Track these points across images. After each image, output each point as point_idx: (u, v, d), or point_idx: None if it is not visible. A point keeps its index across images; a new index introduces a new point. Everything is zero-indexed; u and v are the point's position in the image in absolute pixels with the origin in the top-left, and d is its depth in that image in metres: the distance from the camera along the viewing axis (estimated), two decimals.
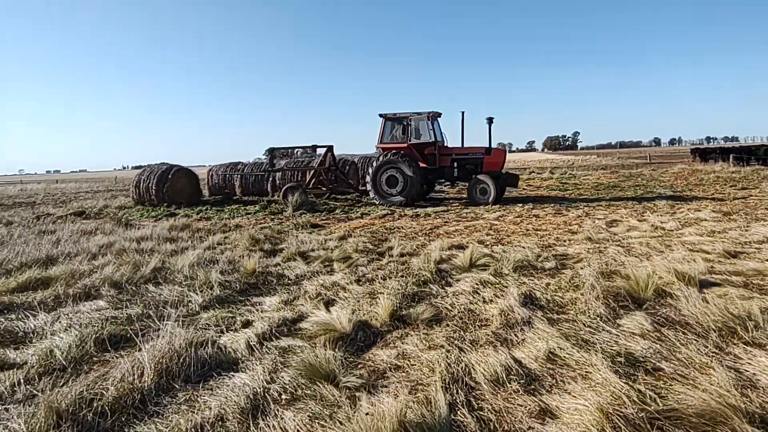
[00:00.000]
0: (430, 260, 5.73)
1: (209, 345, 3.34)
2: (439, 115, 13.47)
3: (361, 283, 5.03)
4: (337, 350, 3.25)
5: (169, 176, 14.62)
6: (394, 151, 12.69)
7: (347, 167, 17.18)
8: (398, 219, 10.05)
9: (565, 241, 6.86)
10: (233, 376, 2.93)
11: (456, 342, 3.35)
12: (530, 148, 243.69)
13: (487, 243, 6.92)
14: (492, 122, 12.50)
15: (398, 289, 4.59)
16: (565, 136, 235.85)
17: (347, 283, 5.00)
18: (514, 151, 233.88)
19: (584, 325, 3.55)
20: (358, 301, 4.37)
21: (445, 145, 13.47)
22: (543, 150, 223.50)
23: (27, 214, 13.45)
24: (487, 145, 12.75)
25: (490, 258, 5.80)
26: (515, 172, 15.65)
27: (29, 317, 4.11)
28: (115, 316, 4.11)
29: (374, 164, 12.75)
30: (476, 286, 4.66)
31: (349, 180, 15.02)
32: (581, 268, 5.12)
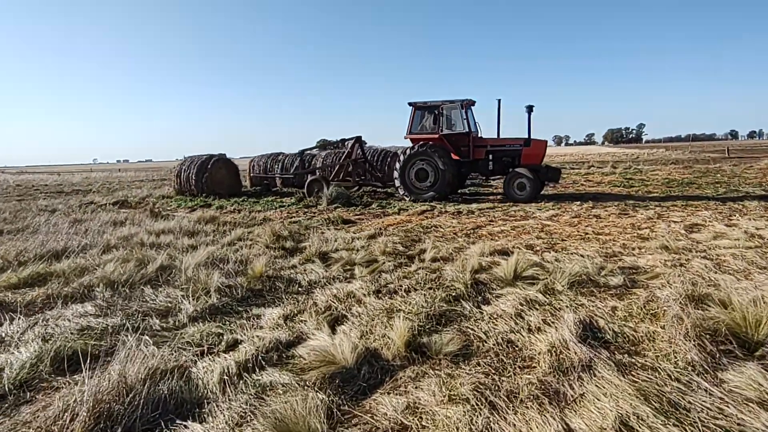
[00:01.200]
0: (466, 268, 4.83)
1: (176, 376, 2.68)
2: (473, 103, 12.36)
3: (381, 295, 4.24)
4: (330, 392, 2.51)
5: (209, 167, 14.50)
6: (424, 142, 11.74)
7: (389, 158, 16.39)
8: (438, 216, 9.14)
9: (634, 249, 5.71)
10: (186, 429, 2.24)
11: (487, 393, 2.49)
12: (589, 141, 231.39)
13: (537, 248, 5.91)
14: (532, 111, 11.25)
15: (423, 307, 3.77)
16: (628, 129, 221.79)
17: (364, 295, 4.24)
18: (571, 144, 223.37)
19: (670, 377, 2.57)
20: (372, 320, 3.59)
21: (480, 135, 12.35)
22: (603, 143, 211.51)
23: (75, 201, 13.79)
24: (526, 136, 11.50)
25: (539, 268, 4.81)
26: (557, 166, 14.15)
27: (5, 321, 3.67)
28: (92, 326, 3.58)
29: (403, 156, 11.89)
30: (520, 306, 3.74)
31: (377, 173, 14.21)
32: (659, 288, 4.04)
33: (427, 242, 6.47)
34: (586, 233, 6.79)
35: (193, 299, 4.09)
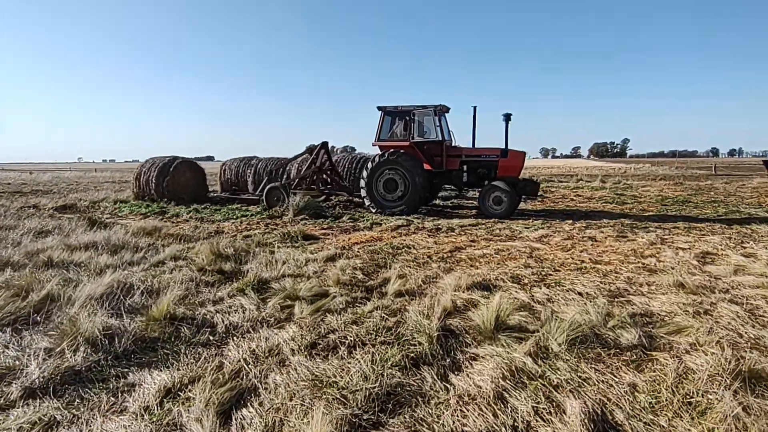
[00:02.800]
0: (435, 311, 3.75)
1: None
2: (447, 110, 11.38)
3: (315, 352, 3.13)
4: None
5: (171, 170, 13.24)
6: (393, 149, 10.72)
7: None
8: (413, 233, 8.07)
9: (642, 285, 4.70)
10: None
11: None
12: (575, 154, 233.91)
13: (526, 281, 4.86)
14: (509, 119, 10.31)
15: (366, 378, 2.67)
16: (613, 143, 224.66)
17: (294, 351, 3.13)
18: (558, 157, 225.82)
19: None
20: (290, 401, 2.48)
21: (454, 144, 11.36)
22: (589, 156, 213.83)
23: (18, 204, 12.42)
24: (504, 147, 10.53)
25: (528, 313, 3.77)
26: (536, 179, 13.26)
27: None
28: None
29: (370, 165, 10.82)
30: (502, 380, 2.67)
31: (343, 182, 13.13)
32: (688, 352, 3.01)
33: (394, 268, 5.39)
34: (582, 261, 5.77)
35: (47, 356, 2.93)
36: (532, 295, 4.34)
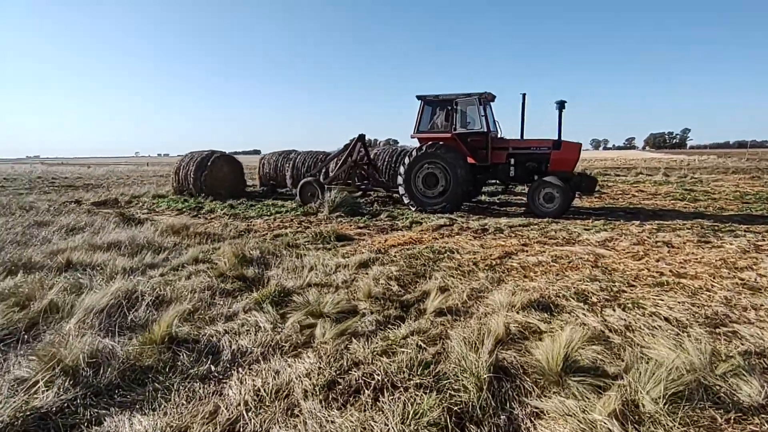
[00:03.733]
0: (484, 340, 3.04)
1: None
2: (493, 98, 10.40)
3: (332, 398, 2.51)
4: None
5: (209, 164, 13.10)
6: (433, 142, 9.87)
7: None
8: (456, 234, 7.30)
9: (745, 309, 3.75)
10: None
11: None
12: (629, 145, 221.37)
13: (594, 299, 4.02)
14: (563, 107, 9.26)
15: None
16: (671, 133, 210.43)
17: (306, 392, 2.53)
18: (610, 149, 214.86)
19: None
20: None
21: (500, 136, 10.37)
22: (644, 148, 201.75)
23: (64, 198, 12.68)
24: (556, 138, 9.45)
25: (604, 348, 2.98)
26: (592, 174, 11.99)
27: None
28: None
29: (407, 159, 10.04)
30: None
31: (380, 177, 12.41)
32: None
33: (435, 278, 4.69)
34: (661, 273, 4.82)
35: (16, 390, 2.47)
36: (605, 320, 3.52)
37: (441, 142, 9.74)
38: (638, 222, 7.95)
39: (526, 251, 5.97)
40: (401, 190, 10.13)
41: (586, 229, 7.39)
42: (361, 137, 11.58)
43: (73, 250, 5.66)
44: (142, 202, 12.05)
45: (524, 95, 9.72)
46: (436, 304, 3.86)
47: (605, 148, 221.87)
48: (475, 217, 9.11)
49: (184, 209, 10.72)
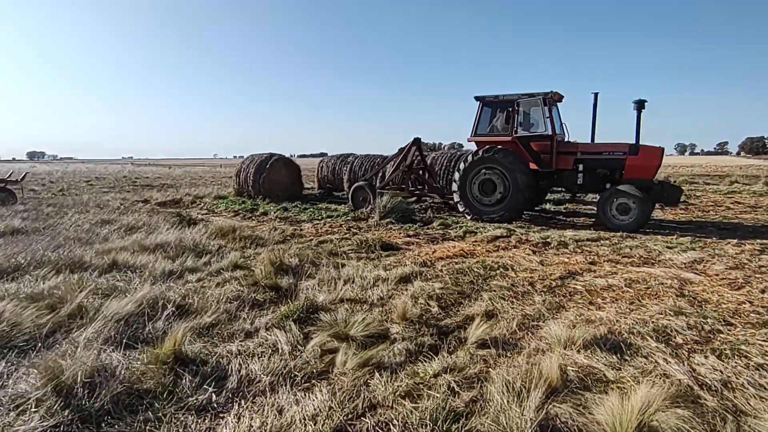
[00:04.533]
0: (531, 388, 2.47)
1: None
2: (560, 98, 9.44)
3: None
4: None
5: (267, 167, 13.30)
6: (492, 146, 9.12)
7: None
8: (513, 247, 6.60)
9: None
10: None
11: None
12: (721, 150, 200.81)
13: (678, 341, 3.26)
14: (643, 108, 8.15)
15: None
16: None
17: None
18: (698, 154, 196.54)
19: None
20: None
21: (567, 140, 9.39)
22: (739, 153, 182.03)
23: (135, 197, 13.44)
24: (633, 141, 8.35)
25: (693, 415, 2.29)
26: (676, 183, 10.54)
27: None
28: None
29: (463, 164, 9.37)
30: None
31: (436, 183, 11.75)
32: None
33: (482, 300, 4.14)
34: None
35: (7, 410, 2.30)
36: (694, 371, 2.80)
37: (500, 146, 9.04)
38: (735, 241, 6.76)
39: (594, 271, 5.19)
40: (456, 197, 9.54)
41: (669, 247, 6.39)
42: (417, 141, 11.12)
43: (121, 251, 5.74)
44: (203, 203, 12.45)
45: (596, 95, 8.79)
46: (479, 333, 3.32)
47: (692, 154, 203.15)
48: (537, 228, 8.31)
49: (240, 210, 10.88)
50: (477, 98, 9.56)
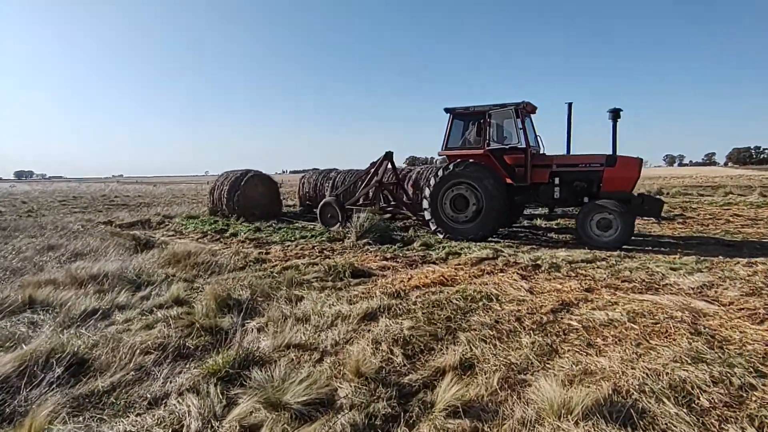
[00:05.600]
0: None
1: None
2: (534, 109, 8.96)
3: None
4: None
5: (242, 184, 12.55)
6: (463, 159, 8.57)
7: None
8: (500, 271, 5.89)
9: None
10: None
11: None
12: (709, 161, 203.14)
13: (704, 403, 2.54)
14: (618, 117, 7.72)
15: None
16: (759, 148, 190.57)
17: None
18: (686, 165, 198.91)
19: None
20: None
21: (542, 152, 8.93)
22: (727, 164, 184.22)
23: (100, 218, 12.60)
24: (610, 153, 7.89)
25: None
26: (656, 196, 10.07)
27: None
28: None
29: (434, 179, 8.80)
30: None
31: (408, 200, 11.04)
32: None
33: (459, 343, 3.41)
34: None
35: None
36: None
37: (471, 160, 8.46)
38: (744, 260, 6.11)
39: (591, 301, 4.48)
40: (427, 214, 8.92)
41: (673, 269, 5.71)
42: (388, 155, 10.50)
43: (46, 285, 4.95)
44: (172, 223, 11.64)
45: (570, 104, 8.28)
46: (451, 396, 2.59)
47: (681, 165, 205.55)
48: (526, 247, 7.62)
49: (208, 231, 10.11)
50: (447, 110, 9.01)
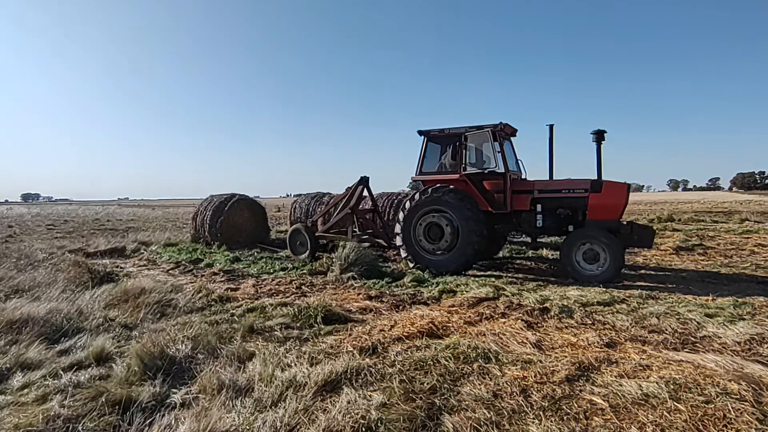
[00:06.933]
0: None
1: None
2: (513, 132, 8.34)
3: None
4: None
5: (226, 209, 11.73)
6: (439, 185, 7.86)
7: None
8: (501, 316, 4.96)
9: None
10: None
11: None
12: (713, 186, 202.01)
13: None
14: (603, 139, 7.11)
15: None
16: (763, 173, 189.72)
17: None
18: (690, 189, 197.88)
19: None
20: None
21: (523, 177, 8.24)
22: (731, 189, 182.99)
23: (73, 246, 11.76)
24: (596, 177, 7.22)
25: None
26: (646, 224, 9.34)
27: None
28: None
29: (409, 202, 8.09)
30: None
31: (383, 228, 10.11)
32: None
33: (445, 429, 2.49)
34: None
35: None
36: None
37: (446, 185, 7.74)
38: None
39: (616, 363, 3.54)
40: (398, 240, 8.15)
41: (708, 315, 4.77)
42: (363, 180, 9.72)
43: None
44: (149, 251, 10.79)
45: (551, 126, 7.60)
46: None
47: (685, 189, 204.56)
48: (532, 284, 6.70)
49: (182, 261, 9.23)
50: (421, 132, 8.33)
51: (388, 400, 2.94)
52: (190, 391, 3.14)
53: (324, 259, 8.43)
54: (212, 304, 5.67)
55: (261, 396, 3.01)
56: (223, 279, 7.51)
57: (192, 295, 6.00)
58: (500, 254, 9.92)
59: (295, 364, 3.55)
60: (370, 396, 2.99)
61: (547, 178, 7.81)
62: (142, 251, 10.85)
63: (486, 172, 7.68)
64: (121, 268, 8.78)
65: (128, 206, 65.26)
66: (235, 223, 11.89)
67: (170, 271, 8.41)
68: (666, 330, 4.35)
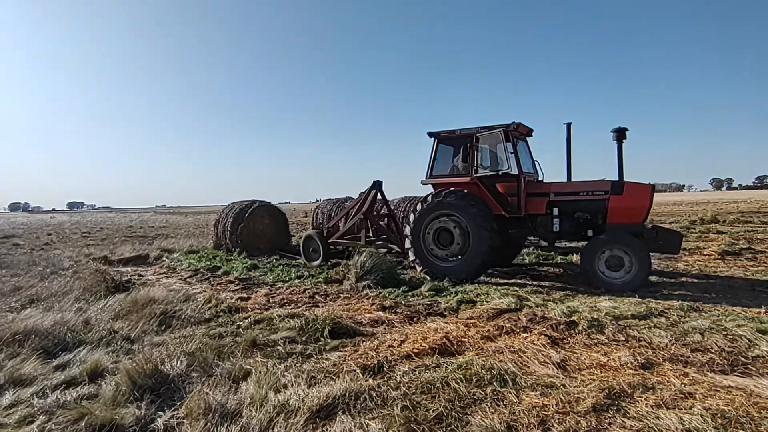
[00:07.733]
0: None
1: None
2: (529, 132, 7.90)
3: None
4: None
5: (246, 216, 11.70)
6: (449, 188, 7.47)
7: None
8: (522, 330, 4.54)
9: None
10: None
11: None
12: (761, 184, 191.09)
13: None
14: (624, 138, 6.66)
15: None
16: None
17: None
18: (735, 188, 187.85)
19: None
20: None
21: (539, 179, 7.80)
22: None
23: (102, 253, 11.98)
24: (616, 178, 6.79)
25: None
26: (675, 228, 8.59)
27: None
28: None
29: (416, 210, 7.76)
30: None
31: (397, 234, 9.65)
32: None
33: None
34: None
35: None
36: None
37: (455, 189, 7.39)
38: None
39: (653, 389, 3.10)
40: (411, 255, 7.83)
41: (761, 330, 4.21)
42: (377, 185, 9.44)
43: None
44: (171, 259, 10.85)
45: (569, 125, 7.18)
46: None
47: (730, 188, 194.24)
48: (559, 294, 6.23)
49: (200, 269, 9.19)
50: (431, 134, 7.99)
51: (387, 431, 2.62)
52: (177, 414, 2.92)
53: (341, 266, 8.19)
54: (220, 315, 5.51)
55: (248, 422, 2.76)
56: (237, 287, 7.37)
57: (201, 305, 5.86)
58: (526, 260, 9.43)
59: (292, 385, 3.29)
60: (367, 425, 2.69)
61: (565, 180, 7.36)
62: (164, 258, 10.92)
63: (499, 174, 7.29)
64: (140, 276, 8.81)
65: (163, 213, 67.37)
66: (255, 229, 11.84)
67: (187, 279, 8.37)
68: (711, 349, 3.84)
